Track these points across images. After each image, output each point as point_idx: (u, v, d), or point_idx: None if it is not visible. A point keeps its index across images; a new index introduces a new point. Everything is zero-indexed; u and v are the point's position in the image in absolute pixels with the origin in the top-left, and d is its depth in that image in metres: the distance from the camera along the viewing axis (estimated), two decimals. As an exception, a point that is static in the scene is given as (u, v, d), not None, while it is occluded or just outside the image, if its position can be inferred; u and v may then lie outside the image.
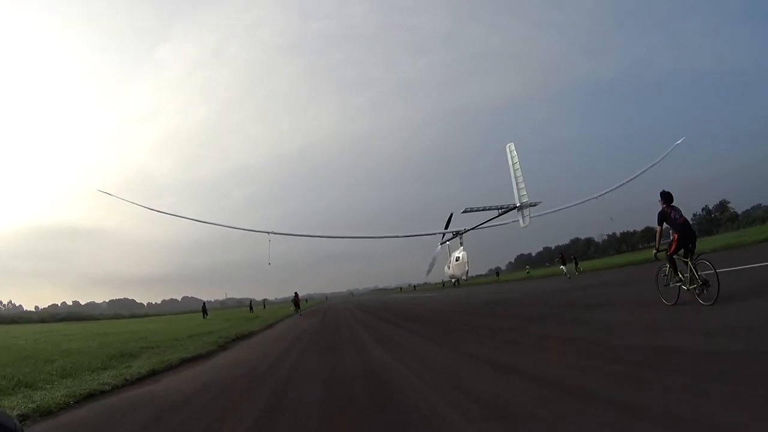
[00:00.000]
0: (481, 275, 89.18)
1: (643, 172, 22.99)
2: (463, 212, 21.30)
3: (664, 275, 7.12)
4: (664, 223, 6.82)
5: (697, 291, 6.39)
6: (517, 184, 17.40)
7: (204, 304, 41.16)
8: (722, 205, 73.08)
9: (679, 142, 22.62)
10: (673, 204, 6.81)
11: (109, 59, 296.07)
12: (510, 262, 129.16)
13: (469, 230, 21.29)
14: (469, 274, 21.79)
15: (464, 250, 20.98)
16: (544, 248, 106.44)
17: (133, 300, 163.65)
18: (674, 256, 6.80)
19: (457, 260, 21.72)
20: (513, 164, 17.51)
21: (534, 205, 20.30)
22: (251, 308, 44.57)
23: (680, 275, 6.72)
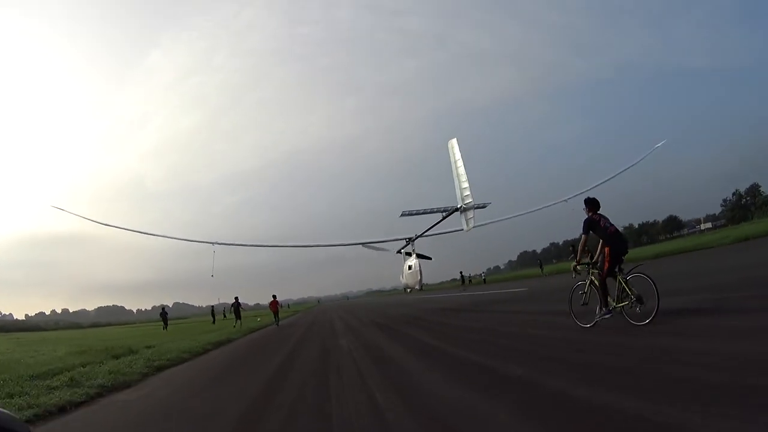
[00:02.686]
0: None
1: (620, 173, 22.72)
2: (401, 215, 20.52)
3: (582, 292, 6.38)
4: (591, 233, 6.13)
5: (626, 309, 5.70)
6: (460, 183, 16.28)
7: (163, 309, 31.47)
8: (754, 189, 66.62)
9: (659, 145, 22.55)
10: (600, 212, 6.18)
11: (100, 65, 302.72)
12: (511, 260, 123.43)
13: (418, 236, 20.17)
14: (422, 283, 20.15)
15: (417, 258, 19.69)
16: (551, 243, 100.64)
17: (122, 307, 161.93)
18: (607, 280, 5.96)
19: (409, 269, 20.41)
20: (455, 162, 16.44)
21: (482, 207, 19.46)
22: (214, 317, 34.33)
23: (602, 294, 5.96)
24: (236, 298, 24.09)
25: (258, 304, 76.18)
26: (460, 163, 16.14)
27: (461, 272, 42.18)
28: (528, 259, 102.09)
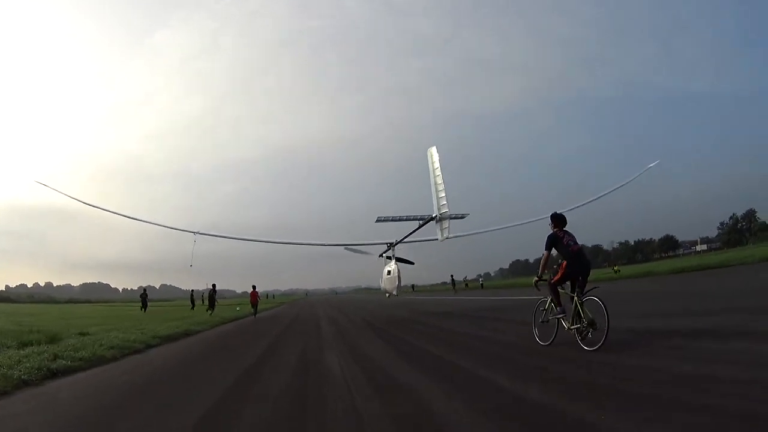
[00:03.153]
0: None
1: (612, 191, 22.44)
2: (376, 221, 19.97)
3: (543, 309, 6.26)
4: (554, 249, 5.95)
5: (579, 333, 5.46)
6: (437, 192, 15.91)
7: (144, 291, 30.44)
8: (750, 215, 66.98)
9: (651, 165, 22.18)
10: (566, 228, 5.99)
11: (107, 38, 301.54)
12: (502, 268, 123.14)
13: (398, 242, 19.80)
14: (400, 289, 19.69)
15: (396, 263, 19.39)
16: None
17: (107, 285, 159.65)
18: (558, 287, 5.92)
19: (388, 274, 20.16)
20: (433, 170, 16.08)
21: (461, 218, 19.28)
22: (193, 303, 33.11)
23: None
24: (213, 285, 23.37)
25: (246, 292, 76.20)
26: (438, 171, 15.93)
27: (452, 276, 42.75)
28: (520, 267, 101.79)
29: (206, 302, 23.78)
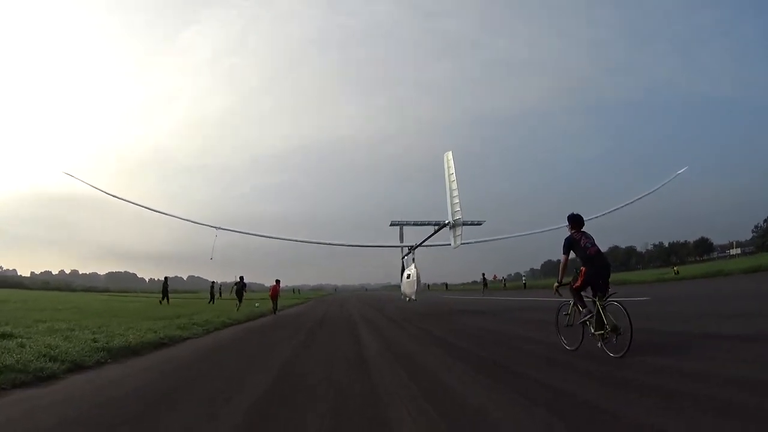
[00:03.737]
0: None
1: (637, 200, 22.09)
2: (391, 225, 20.01)
3: (566, 314, 6.09)
4: (571, 252, 5.73)
5: (602, 339, 5.31)
6: (451, 198, 15.65)
7: (165, 281, 26.92)
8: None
9: (681, 171, 21.91)
10: (583, 230, 5.80)
11: (138, 34, 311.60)
12: (533, 268, 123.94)
13: (417, 246, 19.75)
14: (419, 293, 19.11)
15: (416, 267, 18.87)
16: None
17: (134, 274, 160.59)
18: (582, 293, 5.72)
19: (407, 278, 19.64)
20: (449, 175, 15.72)
21: (478, 224, 19.22)
22: (212, 296, 29.43)
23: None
24: (241, 278, 22.31)
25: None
26: (453, 177, 15.56)
27: (483, 275, 36.67)
28: (552, 268, 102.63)
29: (232, 294, 23.01)
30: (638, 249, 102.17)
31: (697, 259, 79.90)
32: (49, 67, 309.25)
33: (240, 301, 21.00)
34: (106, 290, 70.86)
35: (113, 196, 21.15)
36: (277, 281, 20.26)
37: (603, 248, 5.76)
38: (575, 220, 5.83)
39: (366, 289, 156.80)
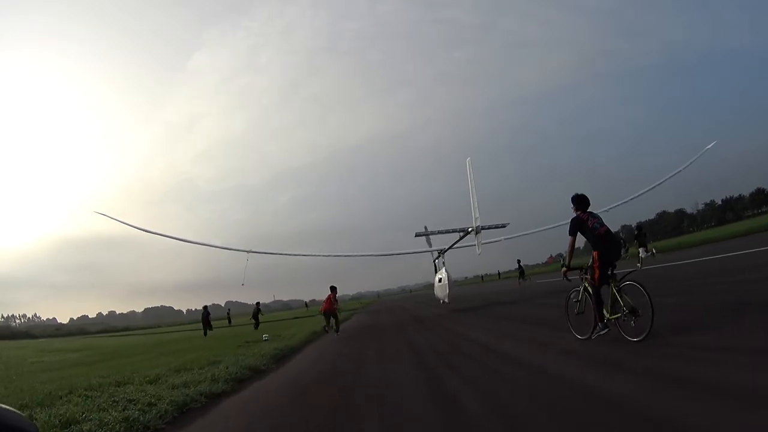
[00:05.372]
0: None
1: (667, 179, 21.99)
2: (416, 236, 20.43)
3: (576, 300, 5.82)
4: (578, 234, 5.55)
5: (620, 322, 5.04)
6: (473, 204, 15.88)
7: (205, 310, 24.58)
8: None
9: (709, 146, 21.86)
10: (589, 210, 5.61)
11: (146, 70, 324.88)
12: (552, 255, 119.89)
13: (445, 251, 20.44)
14: (451, 296, 19.08)
15: (447, 270, 19.16)
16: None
17: (170, 308, 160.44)
18: (600, 290, 5.35)
19: (439, 281, 19.98)
20: (470, 182, 15.86)
21: (503, 227, 19.11)
22: (256, 320, 23.37)
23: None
24: (333, 290, 14.54)
25: (315, 300, 57.13)
26: (472, 184, 15.62)
27: (519, 261, 29.70)
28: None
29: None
30: (688, 211, 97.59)
31: (755, 212, 75.63)
32: (66, 116, 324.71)
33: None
34: (142, 327, 67.86)
35: (146, 230, 20.35)
36: (333, 289, 14.30)
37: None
38: (581, 201, 5.64)
39: (411, 291, 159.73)
